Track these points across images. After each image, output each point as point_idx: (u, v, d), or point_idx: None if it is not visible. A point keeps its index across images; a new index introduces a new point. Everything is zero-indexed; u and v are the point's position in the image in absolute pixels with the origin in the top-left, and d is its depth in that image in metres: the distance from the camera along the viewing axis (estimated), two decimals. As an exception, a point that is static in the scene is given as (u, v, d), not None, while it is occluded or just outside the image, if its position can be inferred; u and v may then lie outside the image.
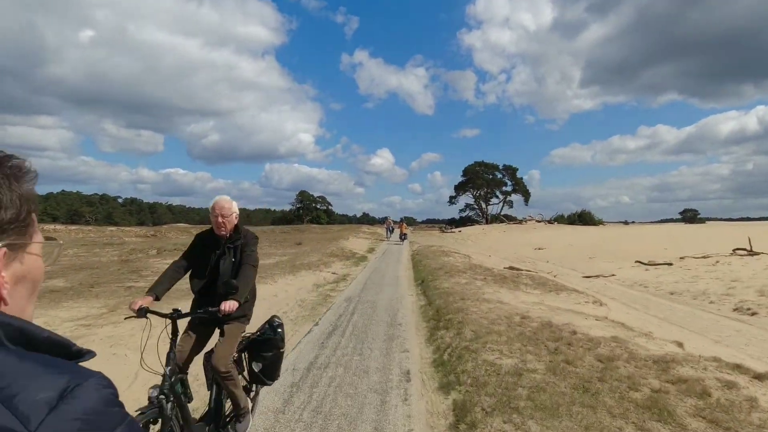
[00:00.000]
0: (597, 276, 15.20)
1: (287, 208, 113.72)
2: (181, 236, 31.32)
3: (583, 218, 61.90)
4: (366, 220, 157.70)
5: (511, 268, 15.22)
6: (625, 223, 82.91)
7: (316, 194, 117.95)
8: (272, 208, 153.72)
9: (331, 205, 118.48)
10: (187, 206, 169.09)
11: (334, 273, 13.14)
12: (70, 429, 0.42)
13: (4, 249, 0.52)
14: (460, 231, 53.15)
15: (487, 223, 69.45)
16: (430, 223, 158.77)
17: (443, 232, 53.92)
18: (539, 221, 55.28)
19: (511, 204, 71.93)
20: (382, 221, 23.29)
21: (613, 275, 15.24)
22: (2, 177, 0.52)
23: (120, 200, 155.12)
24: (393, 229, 35.14)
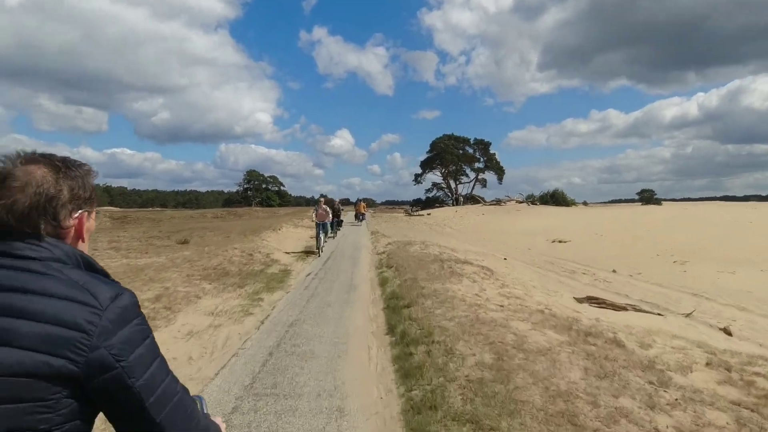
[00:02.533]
0: None
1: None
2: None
3: (556, 199, 55.75)
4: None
5: (593, 301, 6.99)
6: (585, 204, 77.71)
7: (267, 174, 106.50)
8: (226, 190, 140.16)
9: (284, 186, 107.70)
10: (129, 188, 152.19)
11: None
12: (119, 313, 0.81)
13: (86, 212, 0.93)
14: (429, 214, 45.24)
15: (456, 204, 62.04)
16: (390, 204, 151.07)
17: (410, 215, 45.82)
18: (520, 201, 48.27)
19: (484, 182, 64.63)
20: (315, 205, 14.63)
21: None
22: (84, 172, 0.93)
23: None
24: (328, 222, 14.62)
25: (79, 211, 0.90)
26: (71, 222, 0.88)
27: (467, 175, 65.74)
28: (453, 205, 61.29)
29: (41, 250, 0.82)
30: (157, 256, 10.89)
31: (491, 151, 64.60)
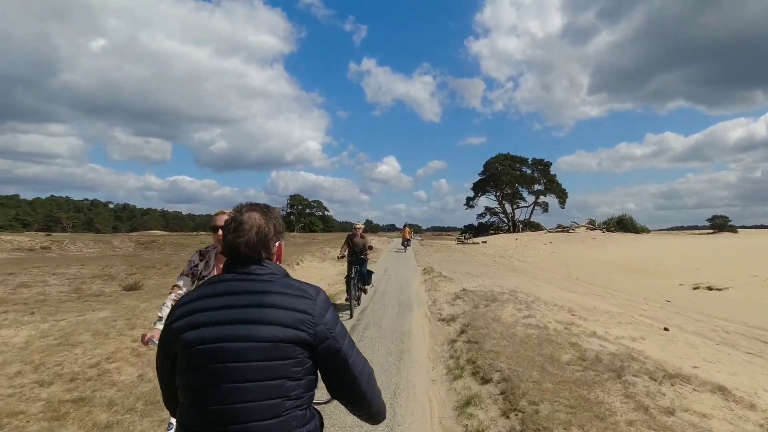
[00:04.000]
0: None
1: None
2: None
3: (624, 225, 47.14)
4: (369, 228, 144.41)
5: None
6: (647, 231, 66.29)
7: (312, 198, 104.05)
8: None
9: (328, 211, 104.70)
10: (184, 213, 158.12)
11: None
12: (323, 301, 1.22)
13: (282, 241, 1.36)
14: (484, 242, 39.16)
15: (514, 230, 55.28)
16: (436, 230, 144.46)
17: (462, 242, 39.90)
18: (591, 228, 40.99)
19: (545, 207, 57.49)
20: (350, 233, 7.30)
21: None
22: (278, 213, 1.37)
23: (112, 206, 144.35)
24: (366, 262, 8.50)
25: (278, 241, 1.34)
26: (275, 249, 1.33)
27: (524, 199, 59.01)
28: (510, 231, 54.64)
29: (265, 268, 1.25)
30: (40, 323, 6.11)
31: (551, 172, 57.71)
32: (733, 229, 76.98)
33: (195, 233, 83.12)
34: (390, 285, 11.53)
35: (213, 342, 1.12)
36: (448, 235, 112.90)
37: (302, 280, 1.37)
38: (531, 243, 35.69)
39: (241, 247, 1.23)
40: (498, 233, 52.13)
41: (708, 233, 58.77)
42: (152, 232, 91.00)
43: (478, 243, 38.43)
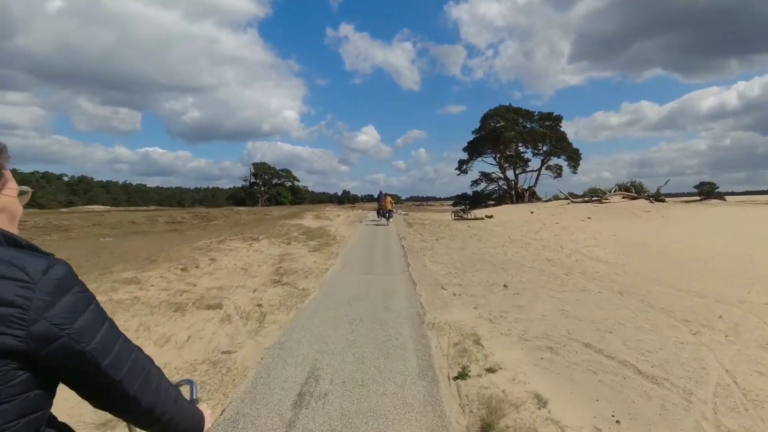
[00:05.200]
0: None
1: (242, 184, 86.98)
2: None
3: (627, 189, 37.54)
4: (347, 199, 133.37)
5: None
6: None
7: (284, 168, 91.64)
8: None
9: (298, 181, 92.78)
10: (152, 186, 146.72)
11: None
12: (54, 284, 0.79)
13: (9, 189, 0.87)
14: (489, 216, 29.11)
15: (517, 200, 45.36)
16: (416, 200, 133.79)
17: (462, 218, 29.55)
18: (632, 197, 30.97)
19: (559, 171, 47.41)
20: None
21: None
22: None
23: (66, 179, 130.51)
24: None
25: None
26: None
27: (528, 162, 48.88)
28: (513, 201, 44.75)
29: None
30: None
31: (561, 129, 47.44)
32: (720, 197, 69.58)
33: (146, 208, 71.12)
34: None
35: None
36: (430, 205, 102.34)
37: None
38: (561, 218, 25.68)
39: None
40: (501, 204, 42.07)
41: (696, 200, 49.86)
42: (93, 207, 78.72)
43: (482, 218, 28.31)
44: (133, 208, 75.53)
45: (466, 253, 12.04)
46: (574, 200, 32.76)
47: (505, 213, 32.93)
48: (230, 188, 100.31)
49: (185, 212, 34.40)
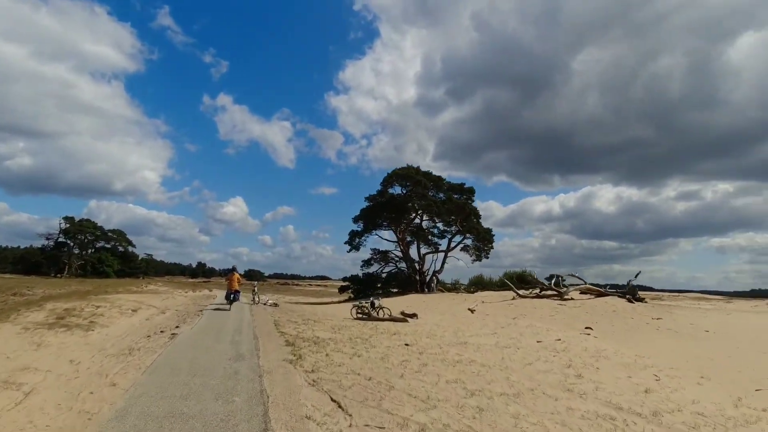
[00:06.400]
0: None
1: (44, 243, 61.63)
2: None
3: (523, 280, 31.04)
4: (202, 272, 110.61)
5: None
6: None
7: (108, 228, 68.81)
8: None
9: (133, 246, 70.59)
10: None
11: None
12: None
13: None
14: (413, 316, 17.31)
15: (422, 288, 34.63)
16: (280, 278, 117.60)
17: (370, 316, 16.97)
18: (599, 294, 22.10)
19: (478, 254, 37.97)
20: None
21: None
22: None
23: None
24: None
25: None
26: None
27: (440, 238, 39.39)
28: (419, 289, 33.89)
29: None
30: None
31: (473, 205, 39.65)
32: (634, 292, 66.76)
33: None
34: None
35: None
36: (296, 284, 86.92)
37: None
38: (529, 325, 14.83)
39: None
40: (406, 293, 30.68)
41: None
42: None
43: (403, 319, 16.18)
44: None
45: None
46: (523, 295, 22.77)
47: (427, 308, 21.35)
48: (24, 247, 70.91)
49: None
